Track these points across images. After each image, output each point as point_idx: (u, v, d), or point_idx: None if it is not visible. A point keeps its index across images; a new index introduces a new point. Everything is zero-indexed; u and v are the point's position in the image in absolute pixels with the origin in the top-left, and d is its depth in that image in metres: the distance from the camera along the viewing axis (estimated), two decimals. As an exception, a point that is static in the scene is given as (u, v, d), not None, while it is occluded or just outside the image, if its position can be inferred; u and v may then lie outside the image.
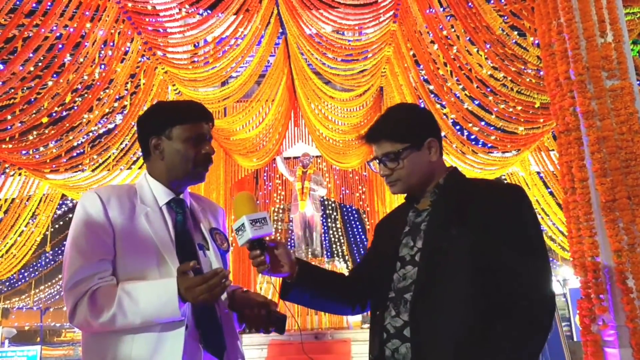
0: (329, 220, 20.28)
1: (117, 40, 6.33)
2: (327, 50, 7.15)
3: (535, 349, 1.44)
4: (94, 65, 6.19)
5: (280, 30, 7.87)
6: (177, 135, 1.70)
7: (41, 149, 6.46)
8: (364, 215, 16.94)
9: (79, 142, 6.87)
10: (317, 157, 12.78)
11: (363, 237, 19.46)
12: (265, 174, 14.68)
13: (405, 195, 1.74)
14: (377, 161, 1.67)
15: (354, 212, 19.87)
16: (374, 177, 11.87)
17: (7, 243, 7.34)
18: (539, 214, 7.26)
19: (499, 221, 1.49)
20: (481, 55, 5.08)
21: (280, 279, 1.69)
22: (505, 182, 1.90)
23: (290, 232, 21.28)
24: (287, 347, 10.63)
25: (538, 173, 7.37)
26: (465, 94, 5.86)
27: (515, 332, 1.42)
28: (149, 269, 1.56)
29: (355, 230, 20.83)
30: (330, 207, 19.78)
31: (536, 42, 4.63)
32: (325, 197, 16.16)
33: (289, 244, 22.06)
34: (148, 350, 1.49)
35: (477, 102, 5.74)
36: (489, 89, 5.16)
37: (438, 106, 6.64)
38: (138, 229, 1.60)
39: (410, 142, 1.61)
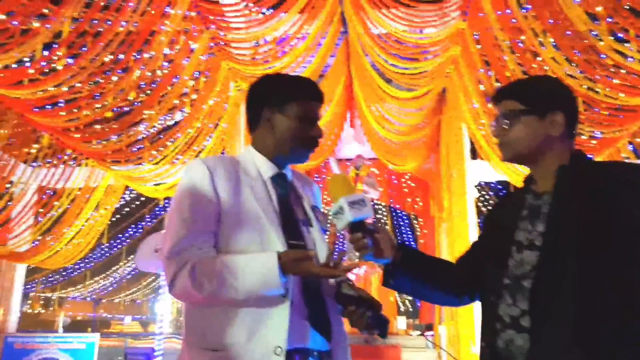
0: (379, 224, 20.13)
1: (184, 35, 6.40)
2: (391, 48, 7.03)
3: None
4: (160, 62, 6.29)
5: (342, 30, 7.82)
6: (292, 111, 1.65)
7: (105, 140, 6.63)
8: (415, 222, 16.69)
9: (140, 138, 6.98)
10: (371, 159, 12.66)
11: (414, 243, 19.20)
12: (317, 174, 14.64)
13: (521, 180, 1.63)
14: (495, 121, 1.57)
15: (404, 217, 19.61)
16: (429, 180, 11.63)
17: (71, 233, 7.55)
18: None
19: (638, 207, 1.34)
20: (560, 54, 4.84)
21: (382, 265, 1.62)
22: None
23: (339, 235, 21.27)
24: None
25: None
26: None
27: None
28: (253, 241, 1.52)
29: (405, 235, 20.55)
30: (380, 212, 19.60)
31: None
32: (376, 201, 16.03)
33: (338, 247, 22.07)
34: (252, 325, 1.45)
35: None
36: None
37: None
38: (243, 200, 1.57)
39: (533, 106, 1.50)
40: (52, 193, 7.49)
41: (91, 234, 7.75)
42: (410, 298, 24.48)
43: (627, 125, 5.00)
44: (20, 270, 8.02)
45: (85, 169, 7.51)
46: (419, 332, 13.36)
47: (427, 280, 1.65)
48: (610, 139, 5.41)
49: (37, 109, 5.10)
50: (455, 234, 8.27)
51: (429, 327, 11.49)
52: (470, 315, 7.51)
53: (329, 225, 1.72)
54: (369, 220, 1.51)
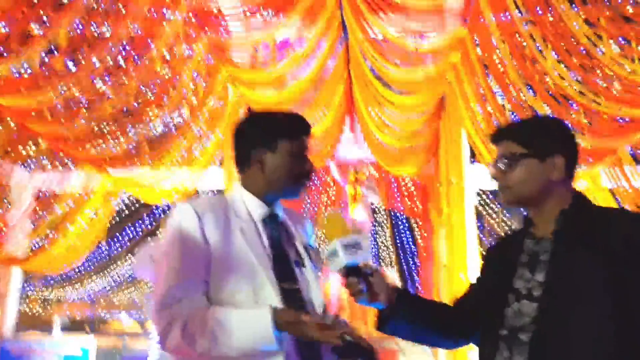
0: (378, 227, 20.07)
1: (184, 40, 6.38)
2: (392, 54, 7.01)
3: None
4: (159, 67, 6.26)
5: (342, 35, 7.79)
6: (283, 149, 1.64)
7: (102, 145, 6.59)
8: (415, 225, 16.66)
9: (134, 143, 6.94)
10: (371, 163, 12.64)
11: (413, 247, 19.18)
12: (316, 177, 14.61)
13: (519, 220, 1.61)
14: (494, 163, 1.55)
15: (404, 220, 19.58)
16: (428, 185, 11.61)
17: (68, 238, 7.51)
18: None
19: None
20: (560, 64, 4.83)
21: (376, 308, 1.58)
22: None
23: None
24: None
25: (610, 190, 7.00)
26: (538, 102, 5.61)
27: None
28: (245, 287, 1.50)
29: (404, 238, 20.54)
30: (379, 214, 19.56)
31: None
32: (376, 204, 16.02)
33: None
34: None
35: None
36: (567, 100, 4.93)
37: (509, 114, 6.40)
38: (234, 244, 1.54)
39: (532, 148, 1.48)
40: (49, 197, 7.44)
41: (88, 240, 7.71)
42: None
43: (627, 135, 4.99)
44: (17, 275, 7.99)
45: (83, 173, 7.47)
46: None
47: (423, 324, 1.62)
48: (611, 148, 5.39)
49: (34, 115, 5.06)
50: (454, 241, 8.25)
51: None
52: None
53: (322, 263, 1.68)
54: (365, 262, 1.46)
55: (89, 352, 7.11)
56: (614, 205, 7.14)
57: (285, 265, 1.60)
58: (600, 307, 1.29)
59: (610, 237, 1.34)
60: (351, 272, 1.43)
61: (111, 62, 5.44)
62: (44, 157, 6.82)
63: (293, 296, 1.54)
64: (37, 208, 7.61)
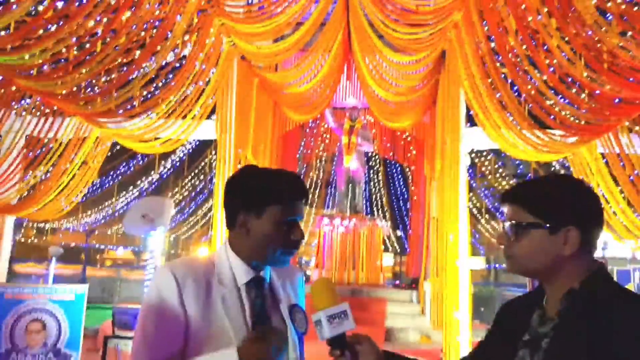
0: (372, 172, 20.15)
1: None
2: (393, 13, 6.78)
3: None
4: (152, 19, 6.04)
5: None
6: (269, 215, 1.54)
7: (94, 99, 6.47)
8: (408, 172, 16.73)
9: (126, 95, 6.80)
10: (365, 109, 12.48)
11: (405, 192, 19.34)
12: (312, 123, 14.47)
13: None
14: (502, 226, 1.40)
15: (397, 167, 19.66)
16: (424, 137, 11.56)
17: (60, 185, 7.50)
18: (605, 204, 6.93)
19: None
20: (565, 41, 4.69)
21: None
22: None
23: (332, 186, 21.36)
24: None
25: (602, 155, 6.97)
26: (537, 75, 5.50)
27: None
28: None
29: (397, 184, 20.68)
30: (374, 160, 19.60)
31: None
32: (370, 152, 15.99)
33: (329, 198, 22.10)
34: None
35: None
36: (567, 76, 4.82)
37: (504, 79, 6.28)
38: (213, 315, 1.51)
39: (542, 218, 1.31)
40: (40, 146, 7.36)
41: (79, 187, 7.70)
42: (397, 237, 24.89)
43: (626, 116, 4.92)
44: (9, 222, 8.02)
45: (75, 120, 7.36)
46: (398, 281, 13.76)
47: None
48: (606, 125, 5.33)
49: (23, 74, 4.91)
50: (444, 198, 8.29)
51: (415, 282, 11.77)
52: (455, 275, 7.63)
53: (306, 326, 1.65)
54: (351, 331, 1.44)
55: (83, 296, 7.21)
56: (607, 174, 7.15)
57: None
58: None
59: (623, 335, 1.17)
60: (335, 343, 1.41)
61: (100, 19, 5.22)
62: (35, 108, 6.69)
63: None
64: (28, 155, 7.55)
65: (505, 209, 1.40)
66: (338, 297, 1.43)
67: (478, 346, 1.55)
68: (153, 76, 7.09)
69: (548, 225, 1.31)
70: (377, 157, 18.62)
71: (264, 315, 1.59)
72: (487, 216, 21.86)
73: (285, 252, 1.58)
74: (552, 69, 5.03)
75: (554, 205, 1.32)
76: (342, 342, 1.40)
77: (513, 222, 1.35)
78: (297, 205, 1.57)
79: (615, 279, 8.14)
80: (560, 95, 5.45)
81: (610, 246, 11.58)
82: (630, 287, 8.84)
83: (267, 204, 1.54)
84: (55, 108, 6.89)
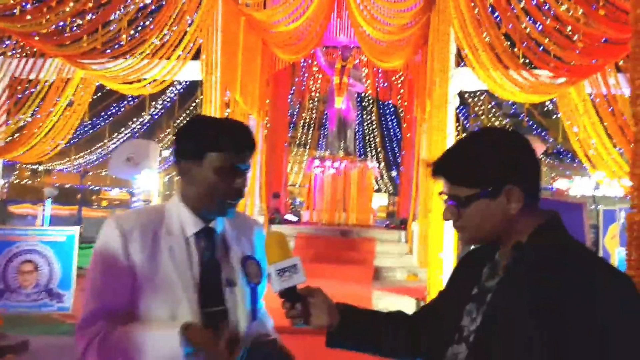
0: (364, 113, 20.01)
1: None
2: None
3: None
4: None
5: None
6: (209, 162, 1.53)
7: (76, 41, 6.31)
8: (401, 111, 16.61)
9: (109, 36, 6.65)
10: (357, 47, 12.25)
11: (398, 132, 19.26)
12: (303, 63, 14.25)
13: None
14: (443, 200, 1.33)
15: (390, 107, 19.49)
16: (415, 77, 11.42)
17: (47, 127, 7.45)
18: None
19: (603, 321, 1.09)
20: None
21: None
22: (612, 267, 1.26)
23: (323, 127, 21.24)
24: (314, 240, 11.01)
25: (590, 95, 6.92)
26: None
27: None
28: (165, 310, 1.50)
29: (390, 124, 20.58)
30: (366, 101, 19.41)
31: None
32: (362, 93, 15.81)
33: (322, 140, 21.99)
34: None
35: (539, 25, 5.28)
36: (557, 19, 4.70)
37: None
38: (159, 265, 1.52)
39: (478, 187, 1.26)
40: (24, 88, 7.25)
41: (66, 129, 7.65)
42: (389, 178, 25.07)
43: (613, 57, 4.86)
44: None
45: (57, 62, 7.23)
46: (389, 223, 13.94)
47: (372, 340, 1.52)
48: (595, 65, 5.27)
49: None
50: (432, 140, 8.28)
51: (404, 222, 11.93)
52: (441, 216, 7.74)
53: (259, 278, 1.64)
54: (301, 284, 1.45)
55: (73, 237, 7.29)
56: (594, 115, 7.13)
57: (213, 285, 1.56)
58: None
59: (566, 292, 1.13)
60: (286, 296, 1.44)
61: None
62: (16, 50, 6.54)
63: (217, 318, 1.53)
64: (14, 95, 7.44)
65: (440, 183, 1.34)
66: (289, 251, 1.43)
67: (433, 299, 1.56)
68: (136, 16, 6.94)
69: (486, 192, 1.26)
70: (369, 97, 18.46)
71: (212, 267, 1.58)
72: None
73: (228, 201, 1.56)
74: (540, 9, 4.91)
75: (483, 171, 1.27)
76: (293, 295, 1.41)
77: (454, 198, 1.30)
78: (239, 154, 1.55)
79: (600, 218, 8.16)
80: (547, 38, 5.35)
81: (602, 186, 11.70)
82: (615, 226, 8.95)
83: (205, 151, 1.53)
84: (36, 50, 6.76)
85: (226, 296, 1.57)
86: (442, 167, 1.33)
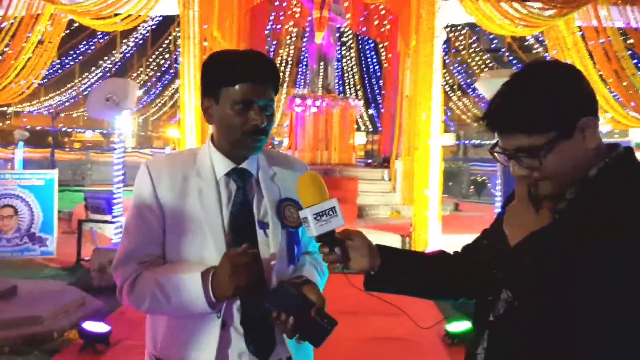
0: (343, 49, 19.53)
1: None
2: None
3: None
4: None
5: None
6: (224, 98, 1.45)
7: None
8: (382, 47, 16.26)
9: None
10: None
11: (378, 70, 18.90)
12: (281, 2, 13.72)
13: None
14: (507, 156, 1.20)
15: (371, 44, 19.06)
16: (399, 10, 11.08)
17: (19, 65, 7.11)
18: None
19: None
20: None
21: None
22: None
23: (303, 64, 20.73)
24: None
25: (579, 29, 6.80)
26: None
27: None
28: (194, 252, 1.47)
29: (370, 62, 20.19)
30: (346, 36, 18.91)
31: None
32: (343, 27, 15.38)
33: (300, 77, 21.51)
34: (187, 341, 1.47)
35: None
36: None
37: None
38: (187, 207, 1.48)
39: (557, 130, 1.14)
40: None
41: (38, 67, 7.30)
42: (369, 116, 24.95)
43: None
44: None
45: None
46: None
47: (414, 284, 1.46)
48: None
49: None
50: (419, 75, 8.11)
51: (387, 160, 11.91)
52: (426, 154, 7.70)
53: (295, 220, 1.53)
54: (340, 227, 1.35)
55: (52, 181, 7.13)
56: (582, 48, 7.04)
57: (245, 228, 1.50)
58: (584, 326, 1.09)
59: (621, 233, 1.06)
60: (325, 240, 1.33)
61: None
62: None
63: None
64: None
65: (505, 139, 1.20)
66: (326, 192, 1.34)
67: (476, 239, 1.46)
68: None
69: (564, 132, 1.14)
70: (349, 32, 18.00)
71: (246, 207, 1.52)
72: (459, 93, 21.82)
73: (247, 137, 1.46)
74: None
75: (558, 110, 1.14)
76: (332, 239, 1.33)
77: (526, 149, 1.17)
78: (256, 89, 1.44)
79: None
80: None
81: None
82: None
83: (220, 86, 1.45)
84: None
85: (259, 239, 1.51)
86: (507, 118, 1.18)
